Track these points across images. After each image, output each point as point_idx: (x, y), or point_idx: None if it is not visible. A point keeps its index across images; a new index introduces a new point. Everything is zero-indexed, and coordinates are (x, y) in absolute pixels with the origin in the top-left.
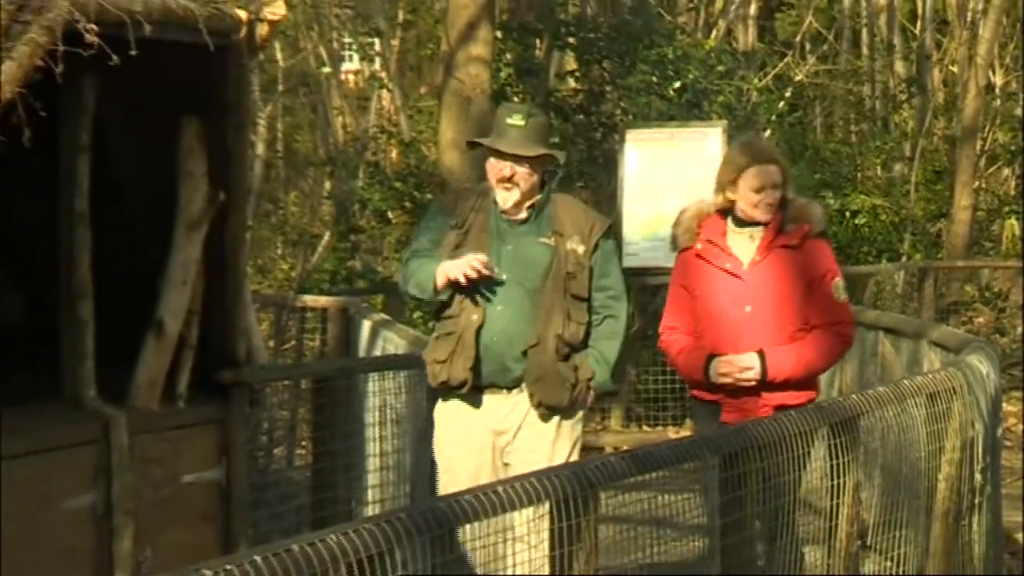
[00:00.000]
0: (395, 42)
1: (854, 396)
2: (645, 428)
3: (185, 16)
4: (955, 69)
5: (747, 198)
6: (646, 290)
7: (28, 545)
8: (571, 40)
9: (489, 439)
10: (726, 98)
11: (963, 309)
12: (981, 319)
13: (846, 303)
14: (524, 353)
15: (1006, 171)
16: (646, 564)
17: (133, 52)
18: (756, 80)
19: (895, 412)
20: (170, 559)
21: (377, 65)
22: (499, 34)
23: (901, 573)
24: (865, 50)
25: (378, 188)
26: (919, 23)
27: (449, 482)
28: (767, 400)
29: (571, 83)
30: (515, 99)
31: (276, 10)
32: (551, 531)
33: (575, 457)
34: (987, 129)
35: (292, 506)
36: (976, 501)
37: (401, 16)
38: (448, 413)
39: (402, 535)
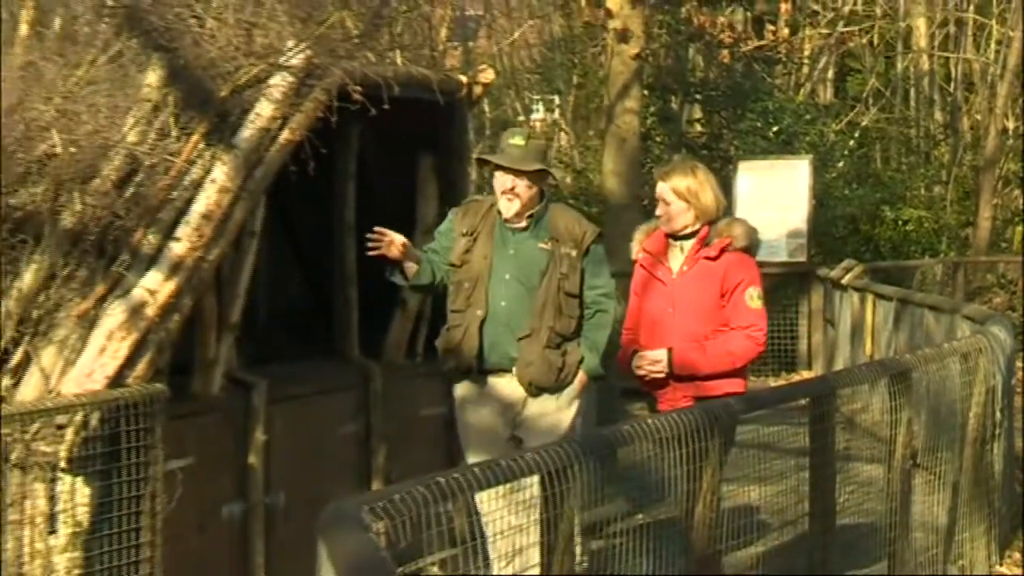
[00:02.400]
0: (570, 98)
1: (907, 355)
2: (752, 378)
3: (423, 80)
4: (979, 117)
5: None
6: None
7: (315, 460)
8: (698, 96)
9: (498, 415)
10: (811, 138)
11: (985, 292)
12: (998, 300)
13: (759, 309)
14: (520, 340)
15: (1016, 192)
16: (754, 477)
17: (386, 106)
18: (833, 125)
19: (937, 367)
20: (411, 471)
21: (557, 114)
22: (646, 92)
23: (941, 484)
24: (913, 103)
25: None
26: (952, 83)
27: (468, 452)
28: (684, 391)
29: (698, 127)
30: (657, 139)
31: (487, 76)
32: (689, 452)
33: (579, 424)
34: (1003, 161)
35: None
36: (996, 432)
37: (575, 79)
38: (464, 395)
39: (579, 454)
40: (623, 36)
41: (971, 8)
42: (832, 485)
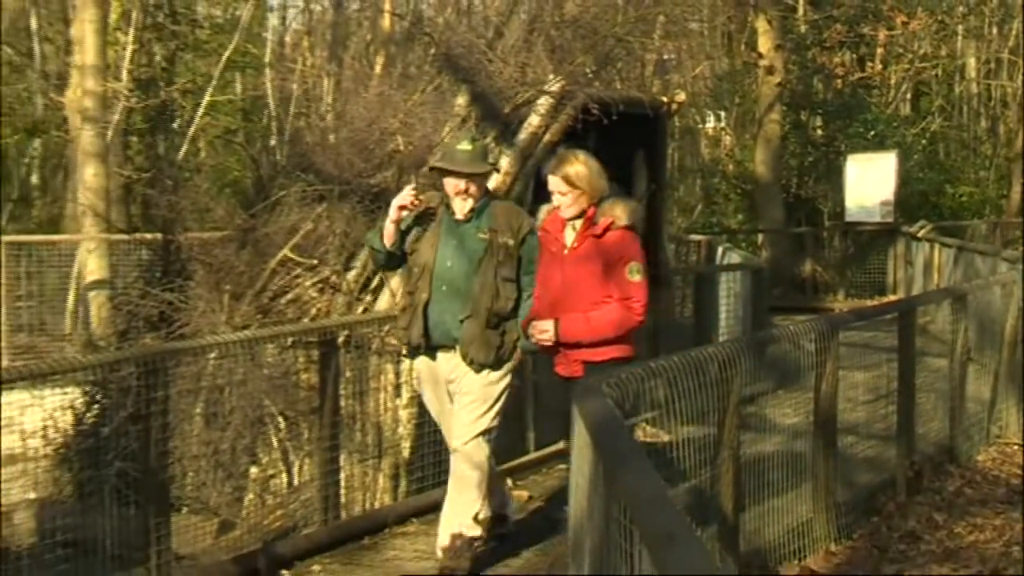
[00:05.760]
0: (733, 112)
1: (964, 284)
2: (855, 299)
3: (638, 101)
4: (1011, 125)
5: None
6: (857, 232)
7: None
8: (819, 111)
9: (443, 384)
10: (896, 139)
11: (1015, 242)
12: None
13: (639, 283)
14: (462, 321)
15: None
16: (859, 365)
17: (613, 118)
18: (911, 130)
19: (984, 292)
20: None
21: (723, 123)
22: (784, 108)
23: (986, 372)
24: (965, 115)
25: (723, 183)
26: (993, 102)
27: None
28: (574, 356)
29: (819, 132)
30: (792, 140)
31: (680, 98)
32: (816, 349)
33: (503, 400)
34: None
35: (686, 336)
36: None
37: (736, 100)
38: (420, 369)
39: (743, 350)
40: (770, 71)
41: (1007, 51)
42: (913, 371)
